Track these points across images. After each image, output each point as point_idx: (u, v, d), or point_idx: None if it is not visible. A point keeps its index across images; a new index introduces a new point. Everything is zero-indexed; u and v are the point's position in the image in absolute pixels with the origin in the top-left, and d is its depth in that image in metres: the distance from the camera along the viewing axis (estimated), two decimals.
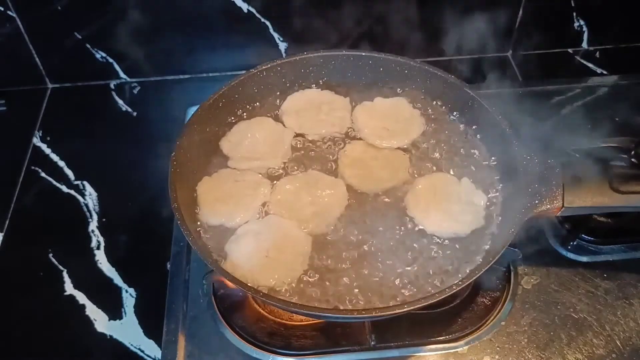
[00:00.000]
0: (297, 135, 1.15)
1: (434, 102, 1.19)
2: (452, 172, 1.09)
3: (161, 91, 1.54)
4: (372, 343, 1.01)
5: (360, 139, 1.14)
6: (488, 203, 1.04)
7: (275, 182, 1.07)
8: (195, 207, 1.03)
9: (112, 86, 1.55)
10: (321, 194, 1.05)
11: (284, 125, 1.16)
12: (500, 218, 1.02)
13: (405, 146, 1.13)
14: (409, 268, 0.96)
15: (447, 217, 1.01)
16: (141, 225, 1.25)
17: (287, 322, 1.04)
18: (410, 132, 1.15)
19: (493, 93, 1.39)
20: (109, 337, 1.10)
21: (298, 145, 1.14)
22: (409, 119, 1.16)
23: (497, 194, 1.05)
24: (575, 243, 1.14)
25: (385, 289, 0.94)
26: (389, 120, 1.16)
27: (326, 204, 1.04)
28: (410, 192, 1.04)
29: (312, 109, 1.17)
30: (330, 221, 1.02)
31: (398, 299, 0.93)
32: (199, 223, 1.02)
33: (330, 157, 1.12)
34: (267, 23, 1.46)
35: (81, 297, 1.15)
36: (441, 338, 1.02)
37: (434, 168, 1.09)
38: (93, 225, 1.25)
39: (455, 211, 1.01)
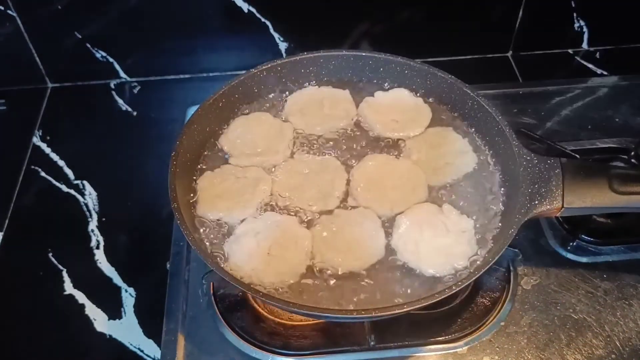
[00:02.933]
0: (303, 132, 1.14)
1: (433, 101, 1.19)
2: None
3: (161, 91, 1.54)
4: (372, 343, 1.01)
5: (368, 131, 1.14)
6: (478, 224, 1.01)
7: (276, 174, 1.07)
8: (195, 207, 1.03)
9: (112, 86, 1.55)
10: (319, 174, 1.06)
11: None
12: (499, 219, 1.01)
13: (419, 134, 1.13)
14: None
15: (439, 253, 0.96)
16: (141, 224, 1.25)
17: (286, 322, 1.04)
18: (420, 120, 1.14)
19: (493, 93, 1.39)
20: (108, 336, 1.10)
21: (304, 142, 1.13)
22: (415, 107, 1.16)
23: (497, 195, 1.05)
24: (574, 244, 1.14)
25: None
26: (395, 112, 1.15)
27: (327, 182, 1.05)
28: (395, 233, 0.98)
29: (315, 106, 1.17)
30: (334, 198, 1.03)
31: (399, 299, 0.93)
32: (198, 222, 1.01)
33: (340, 150, 1.12)
34: (267, 23, 1.46)
35: (81, 297, 1.15)
36: (441, 338, 1.02)
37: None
38: (93, 224, 1.25)
39: (447, 244, 0.97)
